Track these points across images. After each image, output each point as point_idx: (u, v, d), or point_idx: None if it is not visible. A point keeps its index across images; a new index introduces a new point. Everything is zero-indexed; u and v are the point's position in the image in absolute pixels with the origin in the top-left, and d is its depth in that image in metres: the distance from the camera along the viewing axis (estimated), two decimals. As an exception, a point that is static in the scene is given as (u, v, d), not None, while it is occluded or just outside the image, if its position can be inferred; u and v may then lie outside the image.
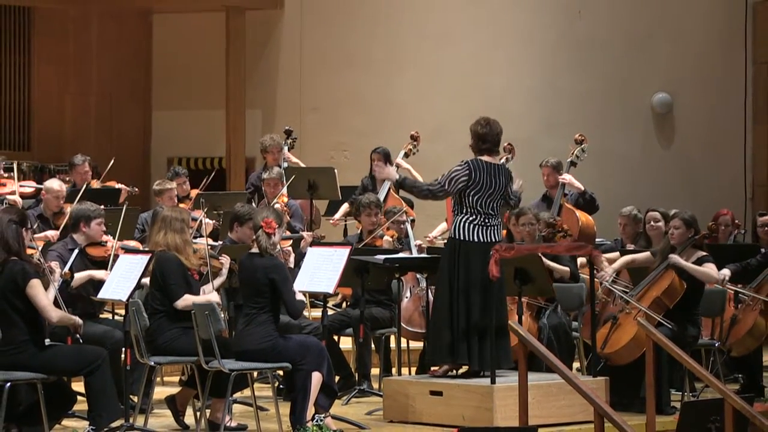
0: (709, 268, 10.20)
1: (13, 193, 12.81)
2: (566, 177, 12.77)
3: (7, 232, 8.55)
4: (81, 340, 8.74)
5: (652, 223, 11.05)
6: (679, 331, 10.05)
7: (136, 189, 13.61)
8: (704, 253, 10.32)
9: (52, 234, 11.41)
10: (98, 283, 9.52)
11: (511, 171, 9.82)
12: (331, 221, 13.84)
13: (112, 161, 13.70)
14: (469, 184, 9.40)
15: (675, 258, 10.15)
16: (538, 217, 10.94)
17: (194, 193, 13.42)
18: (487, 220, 9.45)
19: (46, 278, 8.72)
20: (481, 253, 9.34)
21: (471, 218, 9.43)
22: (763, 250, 11.99)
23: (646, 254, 10.51)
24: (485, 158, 9.55)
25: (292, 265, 10.16)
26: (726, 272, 10.77)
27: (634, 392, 9.89)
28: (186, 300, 9.23)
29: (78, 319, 8.69)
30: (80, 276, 9.64)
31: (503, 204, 9.66)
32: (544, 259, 10.41)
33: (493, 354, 9.31)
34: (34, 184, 13.40)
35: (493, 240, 9.46)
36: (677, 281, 10.13)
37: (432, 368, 9.79)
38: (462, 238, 9.42)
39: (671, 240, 10.28)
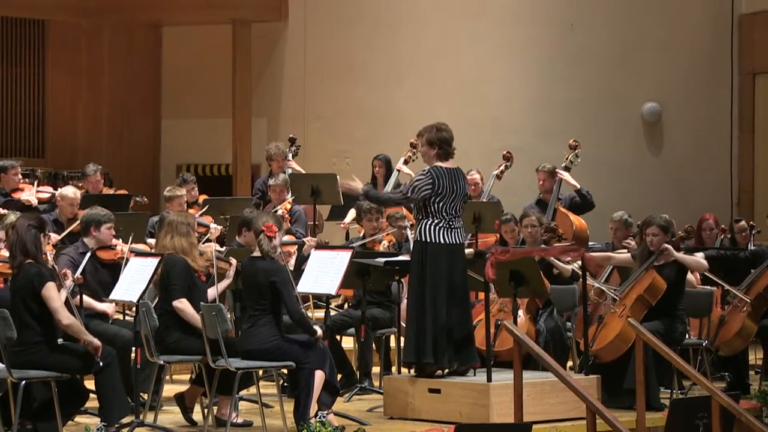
0: (697, 256, 10.27)
1: (31, 195, 12.80)
2: (562, 173, 12.77)
3: (26, 236, 8.54)
4: (101, 363, 8.60)
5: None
6: (666, 328, 10.07)
7: (146, 199, 13.61)
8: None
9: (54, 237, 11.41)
10: (109, 285, 9.51)
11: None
12: (342, 225, 13.84)
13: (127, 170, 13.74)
14: (434, 192, 9.38)
15: (669, 249, 10.15)
16: (541, 221, 10.93)
17: (202, 198, 13.43)
18: (450, 223, 9.46)
19: (59, 282, 8.71)
20: (446, 254, 9.37)
21: (436, 221, 9.41)
22: (750, 249, 12.03)
23: (626, 255, 10.54)
24: (443, 164, 9.51)
25: (292, 267, 10.17)
26: (699, 254, 10.78)
27: (619, 386, 9.91)
28: (180, 302, 9.20)
29: (97, 342, 8.56)
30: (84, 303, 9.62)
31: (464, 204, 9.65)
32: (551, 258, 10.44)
33: (465, 352, 9.35)
34: (50, 189, 13.40)
35: (457, 241, 9.46)
36: (658, 279, 10.18)
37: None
38: (428, 240, 9.41)
39: (651, 247, 10.31)
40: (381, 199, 10.22)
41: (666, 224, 10.32)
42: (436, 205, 9.39)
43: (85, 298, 9.58)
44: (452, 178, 9.46)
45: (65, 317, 8.46)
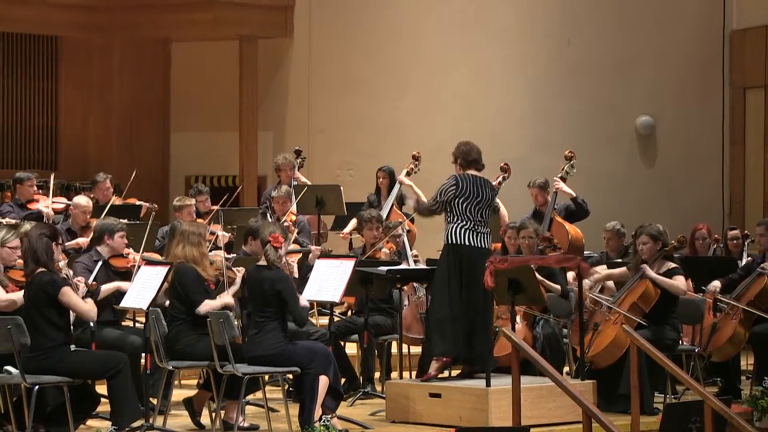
0: (678, 281, 10.24)
1: (47, 206, 12.82)
2: (558, 183, 12.79)
3: (37, 245, 8.55)
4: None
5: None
6: (659, 335, 10.08)
7: (156, 205, 13.62)
8: (674, 265, 10.34)
9: (83, 241, 11.45)
10: (121, 293, 9.52)
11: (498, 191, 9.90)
12: (341, 235, 13.85)
13: (134, 174, 13.75)
14: (457, 193, 9.56)
15: (646, 269, 10.19)
16: (538, 231, 10.98)
17: (215, 209, 13.44)
18: (476, 227, 9.54)
19: (72, 288, 8.72)
20: (470, 257, 9.44)
21: (462, 224, 9.54)
22: (739, 262, 12.02)
23: (623, 269, 10.57)
24: (471, 172, 9.68)
25: (296, 275, 10.19)
26: (717, 284, 10.83)
27: (614, 391, 9.91)
28: (206, 305, 9.22)
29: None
30: (107, 288, 9.63)
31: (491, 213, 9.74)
32: (538, 276, 10.43)
33: (484, 352, 9.36)
34: (65, 200, 13.41)
35: (484, 246, 9.54)
36: (651, 288, 10.19)
37: (427, 372, 9.78)
38: (454, 242, 9.52)
39: (642, 255, 10.33)
40: (422, 208, 10.03)
41: (656, 233, 10.33)
42: (460, 206, 9.55)
43: (110, 285, 9.60)
44: (476, 184, 9.64)
45: (93, 314, 8.58)
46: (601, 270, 10.86)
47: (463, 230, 9.54)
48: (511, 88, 16.65)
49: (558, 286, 10.66)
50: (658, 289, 10.18)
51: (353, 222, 13.61)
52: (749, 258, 12.18)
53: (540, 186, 12.82)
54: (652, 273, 10.19)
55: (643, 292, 10.16)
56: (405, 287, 10.98)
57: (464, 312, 9.47)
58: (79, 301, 8.56)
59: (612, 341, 10.04)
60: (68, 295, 8.50)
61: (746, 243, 13.14)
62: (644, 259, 10.30)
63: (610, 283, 10.87)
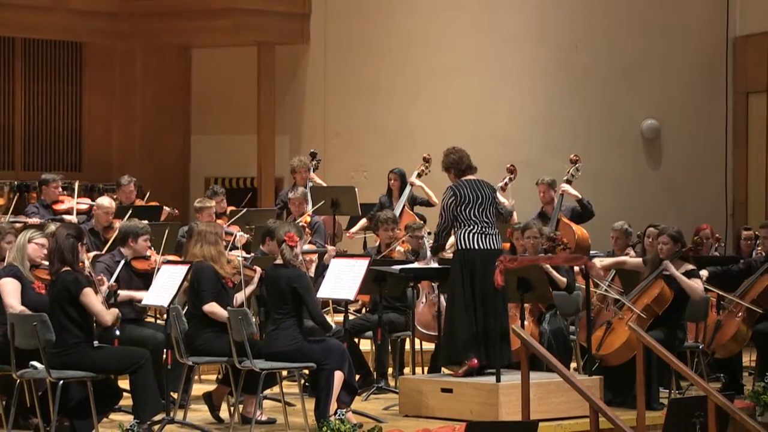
0: (696, 283, 10.19)
1: (69, 210, 12.84)
2: (564, 186, 12.80)
3: (64, 245, 8.57)
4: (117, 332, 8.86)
5: (650, 239, 11.08)
6: (670, 336, 10.04)
7: (176, 211, 13.64)
8: (692, 267, 10.29)
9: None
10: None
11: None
12: (348, 234, 13.87)
13: (148, 193, 13.83)
14: (458, 202, 9.53)
15: (669, 266, 10.13)
16: (542, 231, 10.98)
17: (230, 209, 13.45)
18: (484, 229, 9.52)
19: (95, 287, 8.75)
20: (482, 260, 9.42)
21: (470, 228, 9.52)
22: (743, 260, 12.00)
23: (638, 260, 10.52)
24: (466, 177, 9.65)
25: (312, 274, 10.19)
26: (704, 273, 10.79)
27: (627, 390, 9.87)
28: (211, 306, 9.23)
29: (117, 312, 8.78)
30: (122, 295, 9.64)
31: (497, 216, 9.72)
32: (548, 267, 10.42)
33: (497, 352, 9.34)
34: (89, 201, 13.43)
35: (493, 247, 9.51)
36: (666, 290, 10.13)
37: (453, 370, 9.77)
38: (465, 247, 9.49)
39: (660, 255, 10.28)
40: (438, 237, 9.92)
41: (677, 235, 10.30)
42: (465, 213, 9.53)
43: (126, 292, 9.60)
44: (473, 187, 9.61)
45: (108, 317, 8.55)
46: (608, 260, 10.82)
47: (471, 234, 9.51)
48: (520, 93, 16.64)
49: (564, 279, 10.65)
50: (672, 291, 10.11)
51: (362, 222, 13.63)
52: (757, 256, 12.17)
53: (548, 183, 12.85)
54: (674, 270, 10.13)
55: (659, 294, 10.08)
56: (420, 285, 10.98)
57: (477, 314, 9.44)
58: (98, 304, 8.54)
59: (625, 342, 9.97)
60: (89, 296, 8.51)
61: (756, 243, 13.12)
62: (662, 259, 10.26)
63: (616, 280, 10.83)
